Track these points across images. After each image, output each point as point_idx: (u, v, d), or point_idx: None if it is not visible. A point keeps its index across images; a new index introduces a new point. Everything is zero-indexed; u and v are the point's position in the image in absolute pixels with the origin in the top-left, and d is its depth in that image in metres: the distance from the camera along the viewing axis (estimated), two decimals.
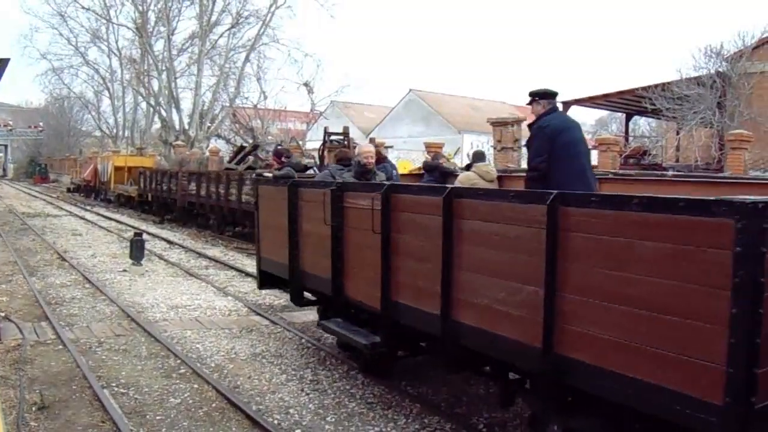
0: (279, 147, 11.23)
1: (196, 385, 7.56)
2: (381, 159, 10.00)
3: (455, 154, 19.73)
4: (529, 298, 4.72)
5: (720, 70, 25.62)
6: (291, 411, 6.87)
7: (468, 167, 10.21)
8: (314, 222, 7.67)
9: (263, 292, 13.04)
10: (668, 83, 25.43)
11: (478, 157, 10.45)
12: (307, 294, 8.80)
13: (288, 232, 8.24)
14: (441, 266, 5.48)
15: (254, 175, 13.50)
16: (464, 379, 7.75)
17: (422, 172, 11.94)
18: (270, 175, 10.13)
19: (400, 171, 19.90)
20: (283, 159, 11.14)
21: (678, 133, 27.26)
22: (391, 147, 32.92)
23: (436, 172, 11.29)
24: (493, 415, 6.83)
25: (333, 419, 6.67)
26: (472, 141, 43.01)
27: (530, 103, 7.31)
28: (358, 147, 9.87)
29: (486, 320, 5.19)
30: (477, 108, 54.17)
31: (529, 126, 7.37)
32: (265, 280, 9.57)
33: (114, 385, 7.57)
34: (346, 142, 22.92)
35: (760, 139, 22.92)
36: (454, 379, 7.72)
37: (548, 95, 7.25)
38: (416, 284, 5.98)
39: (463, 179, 9.78)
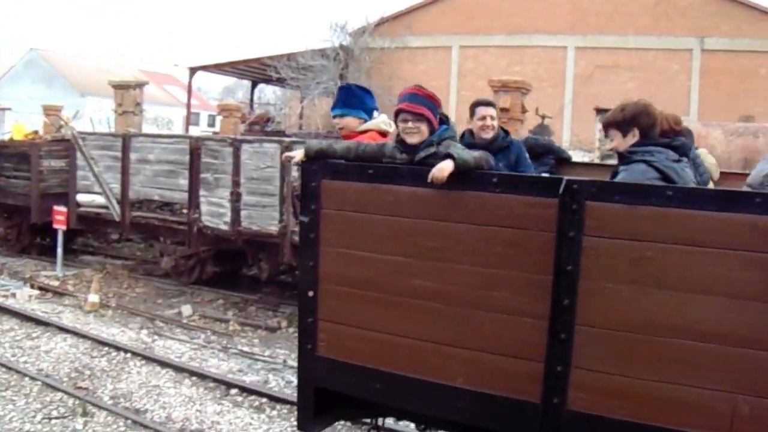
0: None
1: None
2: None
3: (74, 117, 18.80)
4: None
5: (344, 43, 27.69)
6: None
7: None
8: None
9: None
10: (294, 53, 26.89)
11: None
12: None
13: (554, 321, 3.16)
14: None
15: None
16: (86, 353, 7.89)
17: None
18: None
19: (15, 136, 18.35)
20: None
21: (302, 102, 28.74)
22: (9, 109, 30.59)
23: (550, 156, 6.25)
24: (118, 387, 7.07)
25: None
26: (97, 104, 41.56)
27: None
28: None
29: None
30: (106, 71, 51.80)
31: None
32: (322, 408, 3.90)
33: None
34: None
35: (383, 110, 25.25)
36: (75, 353, 7.84)
37: None
38: None
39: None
